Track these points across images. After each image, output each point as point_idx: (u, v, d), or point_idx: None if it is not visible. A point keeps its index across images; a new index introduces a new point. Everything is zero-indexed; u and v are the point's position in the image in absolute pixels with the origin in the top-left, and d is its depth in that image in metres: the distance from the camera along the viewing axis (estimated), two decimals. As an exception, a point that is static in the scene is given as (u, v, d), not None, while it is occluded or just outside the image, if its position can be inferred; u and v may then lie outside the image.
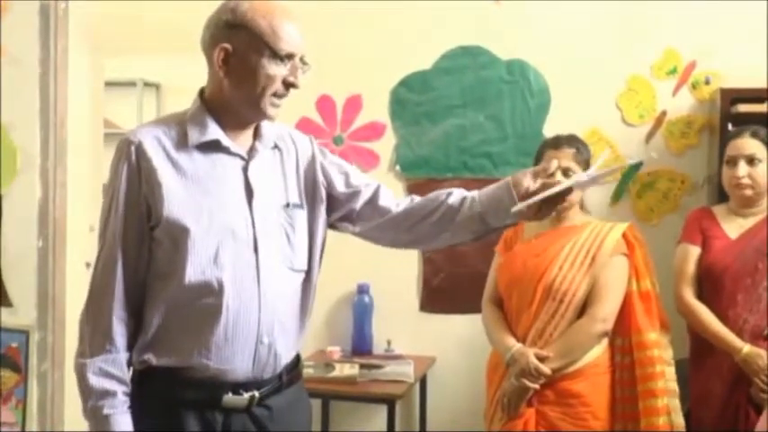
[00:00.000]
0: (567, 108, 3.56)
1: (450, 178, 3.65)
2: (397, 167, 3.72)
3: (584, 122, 3.48)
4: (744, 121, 3.02)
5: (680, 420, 2.64)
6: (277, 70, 1.73)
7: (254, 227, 1.75)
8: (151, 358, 1.73)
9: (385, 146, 3.76)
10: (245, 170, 1.78)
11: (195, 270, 1.70)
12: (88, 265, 3.64)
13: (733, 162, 2.81)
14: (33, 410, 3.02)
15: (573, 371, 2.62)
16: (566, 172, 2.62)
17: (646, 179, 3.50)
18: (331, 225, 1.94)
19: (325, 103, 3.79)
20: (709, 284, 2.81)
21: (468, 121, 3.67)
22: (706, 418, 2.78)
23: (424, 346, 3.67)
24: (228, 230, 1.73)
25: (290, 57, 1.74)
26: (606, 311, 2.64)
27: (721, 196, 2.98)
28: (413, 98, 3.72)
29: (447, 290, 3.69)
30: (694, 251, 2.85)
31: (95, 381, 1.70)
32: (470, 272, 3.47)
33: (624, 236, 2.71)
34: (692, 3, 3.43)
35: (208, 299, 1.71)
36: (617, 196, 3.52)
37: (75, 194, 3.30)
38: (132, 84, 6.69)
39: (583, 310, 2.66)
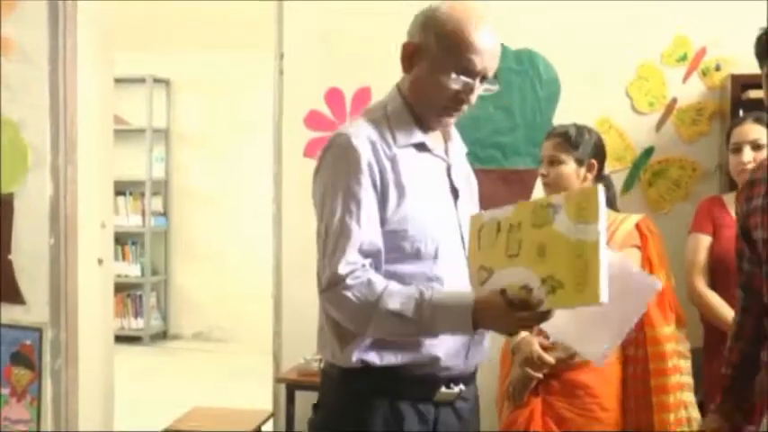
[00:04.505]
0: (577, 97, 3.53)
1: (460, 169, 3.64)
2: (407, 159, 3.71)
3: (595, 111, 3.45)
4: (755, 108, 2.99)
5: (696, 414, 2.61)
6: (459, 84, 1.73)
7: (460, 228, 1.78)
8: (375, 359, 1.72)
9: (394, 138, 3.74)
10: (448, 172, 1.81)
11: (417, 272, 1.71)
12: (100, 261, 3.66)
13: (738, 149, 2.79)
14: (48, 407, 3.04)
15: (579, 361, 2.55)
16: (551, 161, 2.65)
17: (657, 167, 3.48)
18: None
19: (333, 96, 3.78)
20: (721, 273, 2.80)
21: (478, 111, 3.65)
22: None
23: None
24: (444, 233, 1.75)
25: (477, 72, 1.74)
26: None
27: (732, 184, 2.96)
28: (422, 90, 3.70)
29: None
30: (705, 240, 2.84)
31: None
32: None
33: (638, 227, 2.66)
34: (701, -12, 3.41)
35: None
36: (628, 185, 3.50)
37: (87, 191, 3.32)
38: (142, 80, 6.72)
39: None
